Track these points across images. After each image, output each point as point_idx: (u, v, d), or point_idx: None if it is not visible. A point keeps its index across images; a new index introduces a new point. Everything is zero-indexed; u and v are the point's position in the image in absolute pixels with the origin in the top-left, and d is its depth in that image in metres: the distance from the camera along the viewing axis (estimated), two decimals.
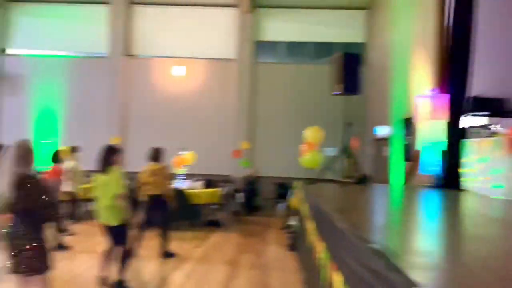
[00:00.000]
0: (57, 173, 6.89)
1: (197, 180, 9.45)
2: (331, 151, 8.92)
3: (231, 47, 12.05)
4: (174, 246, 6.56)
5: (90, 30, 12.25)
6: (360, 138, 10.96)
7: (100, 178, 4.75)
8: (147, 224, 6.12)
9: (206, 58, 12.20)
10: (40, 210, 3.11)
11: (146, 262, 6.09)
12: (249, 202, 10.79)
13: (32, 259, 3.07)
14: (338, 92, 6.80)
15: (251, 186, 11.07)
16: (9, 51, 12.43)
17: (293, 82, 11.99)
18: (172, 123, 11.91)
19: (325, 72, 10.35)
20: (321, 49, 12.31)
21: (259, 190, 11.24)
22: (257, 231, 8.97)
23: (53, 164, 6.96)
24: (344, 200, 5.15)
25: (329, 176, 6.87)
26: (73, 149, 7.90)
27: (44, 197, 3.12)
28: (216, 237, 8.08)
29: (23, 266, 3.05)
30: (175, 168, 9.75)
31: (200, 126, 11.89)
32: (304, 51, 12.46)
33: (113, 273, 4.82)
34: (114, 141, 11.64)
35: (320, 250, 3.49)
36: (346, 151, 6.94)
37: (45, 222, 3.18)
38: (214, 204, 9.10)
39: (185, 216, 8.05)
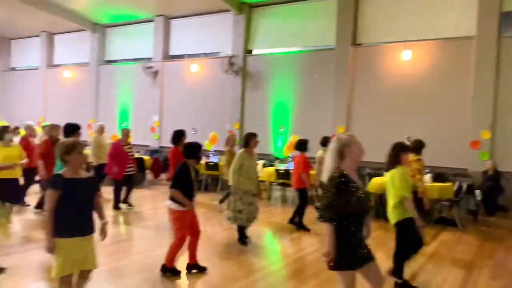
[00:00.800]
0: (303, 161, 7.46)
1: (426, 172, 8.75)
2: None
3: (468, 23, 10.61)
4: None
5: (319, 24, 12.83)
6: None
7: (387, 175, 4.75)
8: None
9: (436, 39, 11.11)
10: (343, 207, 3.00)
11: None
12: (489, 200, 9.35)
13: (335, 255, 3.03)
14: None
15: (493, 182, 9.55)
16: (253, 51, 14.24)
17: None
18: (398, 111, 11.38)
19: None
20: None
21: (503, 187, 9.60)
22: (500, 235, 7.71)
23: (298, 153, 7.63)
24: None
25: None
26: (325, 140, 8.33)
27: (351, 197, 2.99)
28: (447, 236, 7.34)
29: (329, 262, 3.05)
30: None
31: (430, 114, 10.95)
32: None
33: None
34: (338, 130, 11.98)
35: None
36: None
37: (347, 221, 3.04)
38: (445, 200, 8.28)
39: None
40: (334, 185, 3.00)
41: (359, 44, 12.16)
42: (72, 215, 3.28)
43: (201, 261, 5.08)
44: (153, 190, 11.34)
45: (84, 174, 3.45)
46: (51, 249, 3.22)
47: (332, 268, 3.03)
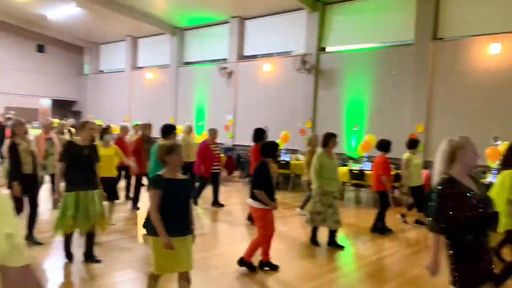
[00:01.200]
0: (384, 162, 7.16)
1: None
2: None
3: None
4: None
5: (396, 19, 12.31)
6: None
7: (498, 177, 4.48)
8: None
9: None
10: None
11: None
12: None
13: (452, 270, 2.74)
14: None
15: None
16: (326, 49, 14.06)
17: None
18: (483, 109, 10.56)
19: None
20: None
21: None
22: None
23: (378, 153, 7.34)
24: None
25: None
26: (412, 142, 7.76)
27: (462, 205, 2.66)
28: None
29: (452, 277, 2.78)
30: (488, 161, 8.70)
31: None
32: None
33: None
34: (417, 129, 11.43)
35: None
36: None
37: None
38: None
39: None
40: (440, 191, 2.73)
41: (441, 39, 11.47)
42: (170, 215, 3.38)
43: (273, 258, 5.16)
44: (227, 187, 11.70)
45: (180, 175, 3.57)
46: (168, 245, 3.29)
47: (453, 285, 2.76)
